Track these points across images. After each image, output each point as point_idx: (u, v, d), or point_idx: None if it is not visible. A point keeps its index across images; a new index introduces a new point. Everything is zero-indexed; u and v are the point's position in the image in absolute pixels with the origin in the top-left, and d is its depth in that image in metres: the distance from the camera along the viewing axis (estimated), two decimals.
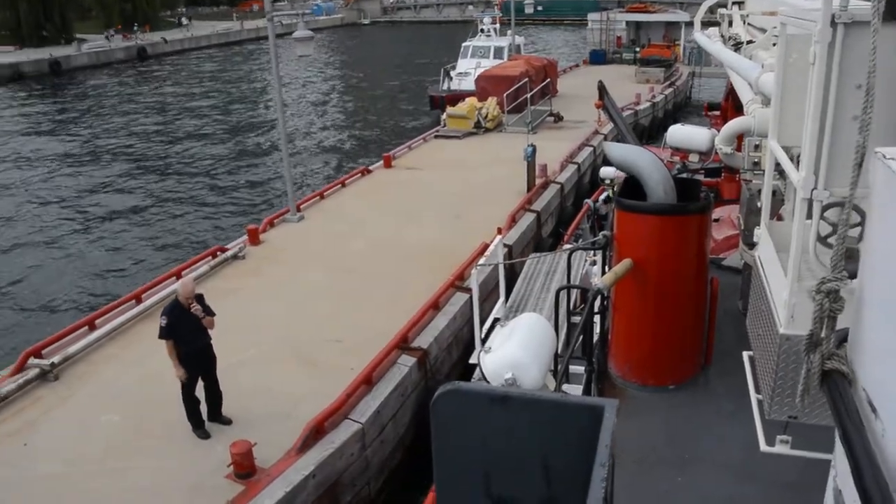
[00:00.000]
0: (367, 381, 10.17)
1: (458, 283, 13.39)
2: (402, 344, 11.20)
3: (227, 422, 9.50)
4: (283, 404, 9.95)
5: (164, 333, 8.78)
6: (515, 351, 5.46)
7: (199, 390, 9.32)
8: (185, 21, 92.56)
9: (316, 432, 9.03)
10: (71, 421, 9.83)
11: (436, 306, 12.47)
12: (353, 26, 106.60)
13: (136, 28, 76.25)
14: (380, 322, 12.03)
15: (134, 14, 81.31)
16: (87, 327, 12.08)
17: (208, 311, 9.10)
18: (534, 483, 3.25)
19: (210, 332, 9.18)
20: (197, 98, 49.26)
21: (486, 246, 14.80)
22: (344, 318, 12.46)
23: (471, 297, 12.92)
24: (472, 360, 9.94)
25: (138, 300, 12.96)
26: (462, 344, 12.72)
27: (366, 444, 9.57)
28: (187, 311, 8.86)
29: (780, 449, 5.04)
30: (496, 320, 11.09)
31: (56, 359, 10.92)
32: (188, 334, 8.87)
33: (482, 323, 10.13)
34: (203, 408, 9.40)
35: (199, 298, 9.10)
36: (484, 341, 8.07)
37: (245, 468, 8.40)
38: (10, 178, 30.24)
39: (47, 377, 10.75)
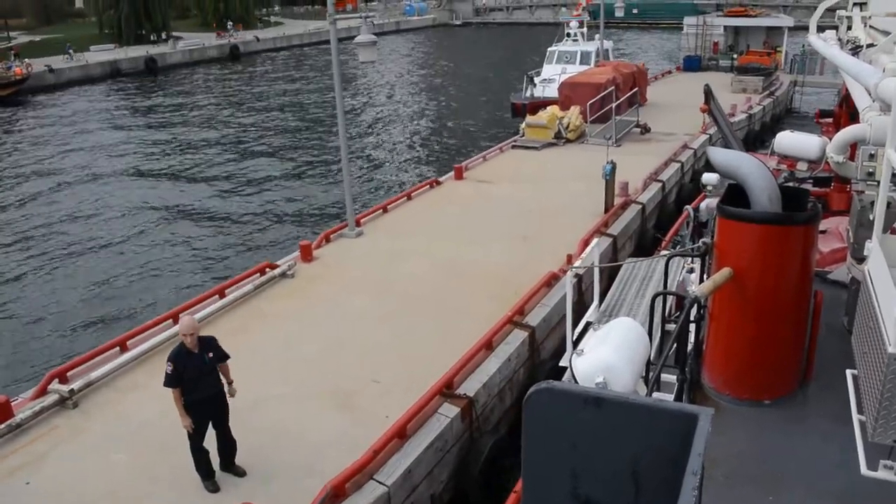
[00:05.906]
0: (401, 435, 9.05)
1: (518, 318, 12.12)
2: (446, 390, 10.02)
3: (242, 473, 8.56)
4: (308, 453, 8.99)
5: (170, 381, 7.87)
6: (609, 354, 5.13)
7: (210, 439, 8.40)
8: (260, 25, 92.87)
9: (334, 496, 7.98)
10: (79, 458, 9.10)
11: (489, 346, 11.23)
12: (444, 27, 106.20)
13: (229, 27, 77.65)
14: (427, 358, 10.96)
15: (227, 13, 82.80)
16: (118, 348, 11.42)
17: (221, 357, 8.18)
18: (621, 488, 3.26)
19: (226, 379, 8.30)
20: (278, 99, 49.35)
21: (553, 275, 13.57)
22: (388, 352, 11.40)
23: (532, 334, 11.86)
24: (563, 363, 9.77)
25: (175, 320, 12.19)
26: (517, 388, 11.45)
27: None
28: (194, 354, 7.93)
29: (883, 474, 4.83)
30: (588, 324, 10.56)
31: (76, 385, 10.26)
32: (194, 381, 7.95)
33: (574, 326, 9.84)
34: (214, 457, 8.47)
35: (211, 343, 8.16)
36: (575, 345, 7.79)
37: None
38: (72, 169, 30.96)
39: (66, 404, 10.10)
